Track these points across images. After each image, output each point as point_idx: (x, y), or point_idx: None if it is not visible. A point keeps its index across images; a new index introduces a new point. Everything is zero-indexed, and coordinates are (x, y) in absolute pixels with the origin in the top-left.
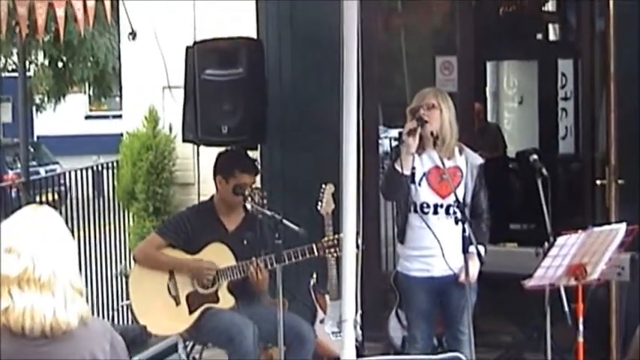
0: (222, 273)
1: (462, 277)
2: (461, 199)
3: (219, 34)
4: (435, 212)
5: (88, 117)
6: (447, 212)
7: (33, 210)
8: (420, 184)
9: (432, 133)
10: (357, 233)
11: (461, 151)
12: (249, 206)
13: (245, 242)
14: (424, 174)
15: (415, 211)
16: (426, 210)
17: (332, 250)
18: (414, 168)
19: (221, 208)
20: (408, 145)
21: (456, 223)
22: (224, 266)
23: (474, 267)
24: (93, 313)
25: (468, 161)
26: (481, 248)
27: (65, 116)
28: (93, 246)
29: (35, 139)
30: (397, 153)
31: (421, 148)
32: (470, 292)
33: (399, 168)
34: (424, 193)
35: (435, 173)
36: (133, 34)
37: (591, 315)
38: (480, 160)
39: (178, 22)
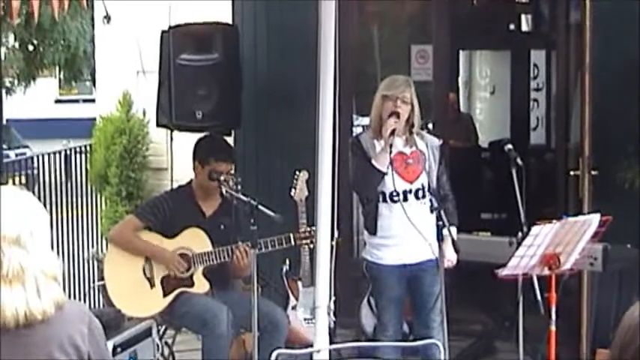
0: (198, 258)
1: (446, 263)
2: (426, 184)
3: (194, 19)
4: (405, 199)
5: (58, 101)
6: (417, 197)
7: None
8: (386, 173)
9: (407, 121)
10: (333, 223)
11: (420, 136)
12: (224, 191)
13: (222, 227)
14: (390, 161)
15: (384, 200)
16: (395, 198)
17: (309, 240)
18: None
19: (199, 193)
20: (389, 144)
21: (432, 211)
22: (200, 251)
23: (450, 250)
24: None
25: (427, 144)
26: (453, 229)
27: (35, 100)
28: (64, 229)
29: (4, 122)
30: (358, 149)
31: (380, 135)
32: (443, 279)
33: (378, 166)
34: (391, 181)
35: (399, 159)
36: (107, 18)
37: (563, 305)
38: (438, 142)
39: (153, 7)
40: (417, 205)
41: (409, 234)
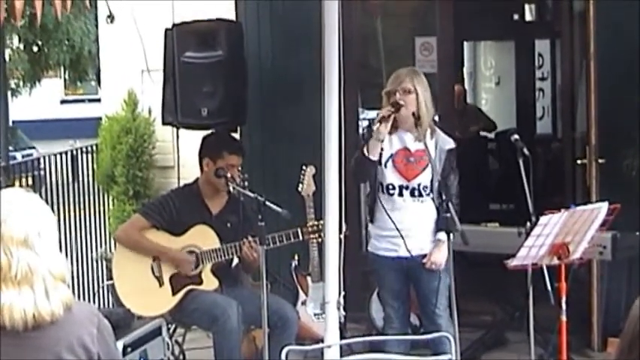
0: (206, 255)
1: (428, 263)
2: (427, 184)
3: (197, 16)
4: (400, 194)
5: (63, 101)
6: (412, 194)
7: (3, 197)
8: (385, 166)
9: (413, 114)
10: (341, 217)
11: (432, 134)
12: (231, 188)
13: (229, 225)
14: (391, 155)
15: (382, 191)
16: (391, 191)
17: (317, 234)
18: (382, 149)
19: (206, 190)
20: (378, 131)
21: (437, 207)
22: (208, 248)
23: (440, 252)
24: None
25: (437, 145)
26: (443, 235)
27: (40, 101)
28: (72, 230)
29: (10, 123)
30: (369, 136)
31: (394, 128)
32: (444, 274)
33: (367, 154)
34: (389, 175)
35: (402, 155)
36: (111, 17)
37: (573, 294)
38: (450, 145)
39: (156, 5)
40: (412, 202)
41: (405, 227)
